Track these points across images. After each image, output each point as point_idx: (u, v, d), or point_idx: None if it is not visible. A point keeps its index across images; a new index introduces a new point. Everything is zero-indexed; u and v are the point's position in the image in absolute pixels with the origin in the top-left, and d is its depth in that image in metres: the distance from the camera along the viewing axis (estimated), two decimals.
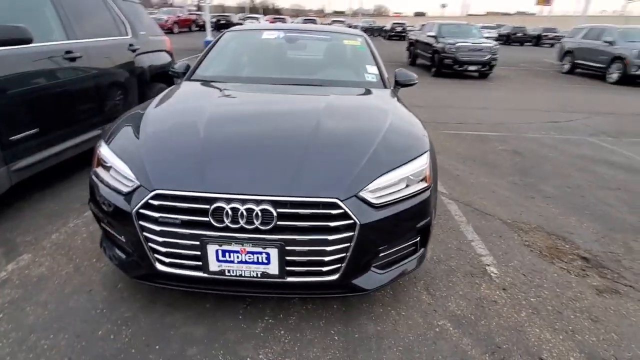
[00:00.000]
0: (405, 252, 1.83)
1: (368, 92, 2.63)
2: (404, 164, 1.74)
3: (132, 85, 3.81)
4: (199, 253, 1.58)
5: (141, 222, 1.59)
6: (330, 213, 1.56)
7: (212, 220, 1.53)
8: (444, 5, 78.60)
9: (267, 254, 1.56)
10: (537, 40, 29.68)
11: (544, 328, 1.88)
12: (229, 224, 1.52)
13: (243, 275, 1.60)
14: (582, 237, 2.75)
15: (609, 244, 2.68)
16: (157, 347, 1.67)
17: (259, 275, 1.61)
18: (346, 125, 2.03)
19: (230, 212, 1.52)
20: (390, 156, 1.76)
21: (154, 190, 1.58)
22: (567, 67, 14.04)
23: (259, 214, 1.51)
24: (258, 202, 1.53)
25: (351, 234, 1.56)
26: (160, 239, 1.59)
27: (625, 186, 3.73)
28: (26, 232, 2.50)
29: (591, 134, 5.69)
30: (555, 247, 2.62)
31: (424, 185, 1.77)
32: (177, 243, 1.58)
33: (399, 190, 1.69)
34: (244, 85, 2.69)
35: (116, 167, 1.74)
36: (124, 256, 1.80)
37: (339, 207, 1.55)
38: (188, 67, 2.96)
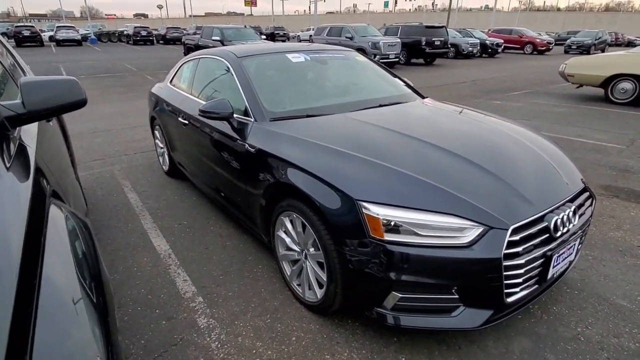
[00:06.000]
0: None
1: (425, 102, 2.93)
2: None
3: None
4: (542, 268, 1.68)
5: (505, 263, 1.54)
6: (587, 195, 1.98)
7: (553, 233, 1.67)
8: (160, 7, 76.38)
9: (574, 244, 1.83)
10: (272, 37, 33.92)
11: None
12: (562, 230, 1.71)
13: (558, 272, 1.82)
14: None
15: None
16: None
17: (566, 267, 1.86)
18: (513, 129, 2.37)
19: (563, 220, 1.70)
20: None
21: (511, 226, 1.55)
22: None
23: (571, 213, 1.76)
24: (569, 203, 1.78)
25: (592, 207, 2.03)
26: (520, 271, 1.58)
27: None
28: None
29: None
30: None
31: None
32: (530, 268, 1.63)
33: None
34: (339, 114, 2.41)
35: (426, 221, 1.54)
36: (458, 310, 1.61)
37: (587, 190, 2.00)
38: (228, 106, 2.37)
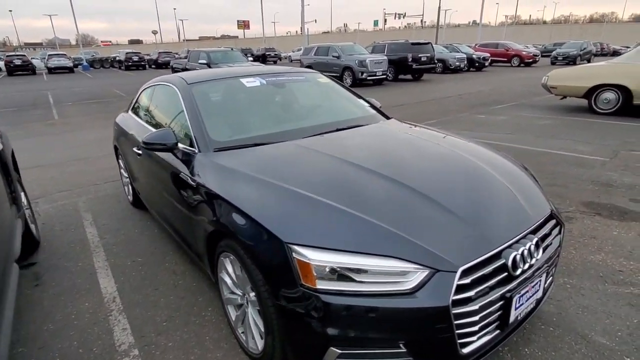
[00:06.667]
0: None
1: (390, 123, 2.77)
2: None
3: None
4: (501, 312, 1.49)
5: (455, 310, 1.34)
6: (554, 223, 1.80)
7: (512, 271, 1.48)
8: (155, 32, 77.59)
9: (540, 280, 1.64)
10: (263, 59, 34.28)
11: None
12: (522, 267, 1.52)
13: (522, 313, 1.62)
14: None
15: None
16: None
17: (532, 306, 1.67)
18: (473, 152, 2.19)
19: (523, 255, 1.52)
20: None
21: (459, 268, 1.37)
22: None
23: (533, 246, 1.58)
24: (530, 235, 1.60)
25: (560, 235, 1.85)
26: (474, 318, 1.39)
27: None
28: None
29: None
30: None
31: None
32: (486, 314, 1.43)
33: None
34: (291, 142, 2.22)
35: (363, 265, 1.35)
36: None
37: (554, 217, 1.82)
38: (175, 135, 2.23)
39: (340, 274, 1.36)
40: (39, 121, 9.38)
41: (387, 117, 2.93)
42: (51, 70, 27.68)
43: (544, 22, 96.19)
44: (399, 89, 13.89)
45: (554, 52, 25.66)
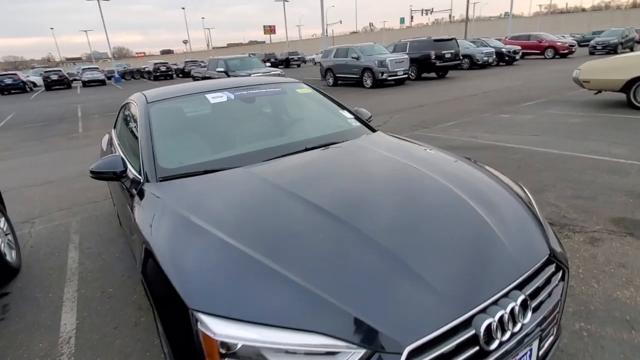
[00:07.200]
0: None
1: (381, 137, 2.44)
2: None
3: None
4: None
5: None
6: (554, 269, 1.42)
7: (484, 345, 1.13)
8: (185, 41, 79.92)
9: (528, 350, 1.27)
10: (287, 63, 34.37)
11: None
12: (500, 338, 1.17)
13: None
14: None
15: None
16: None
17: None
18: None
19: (503, 321, 1.17)
20: None
21: (406, 347, 1.04)
22: (331, 81, 16.89)
23: (517, 307, 1.22)
24: (516, 291, 1.24)
25: (563, 283, 1.46)
26: None
27: (489, 161, 4.84)
28: None
29: (412, 129, 7.07)
30: None
31: None
32: None
33: None
34: (253, 166, 1.93)
35: (281, 343, 1.05)
36: None
37: (554, 260, 1.43)
38: (124, 161, 2.02)
39: (251, 354, 1.06)
40: (63, 135, 9.65)
41: (373, 130, 2.60)
42: (85, 84, 28.92)
43: (583, 10, 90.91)
44: (421, 89, 13.34)
45: (592, 41, 24.03)
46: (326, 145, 2.22)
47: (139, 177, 1.99)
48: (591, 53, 22.99)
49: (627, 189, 3.58)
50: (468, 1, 41.44)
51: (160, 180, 1.89)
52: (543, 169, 4.32)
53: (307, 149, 2.15)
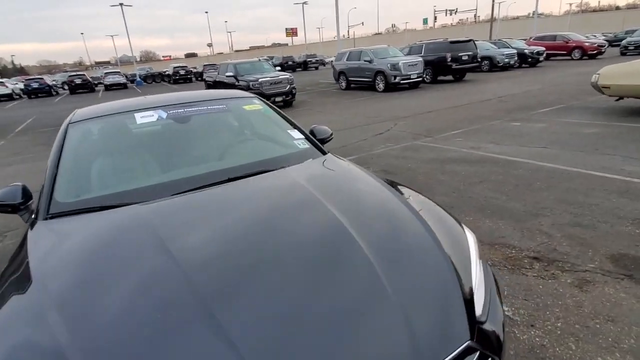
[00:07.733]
0: None
1: (325, 164, 2.14)
2: None
3: None
4: None
5: None
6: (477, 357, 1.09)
7: None
8: (210, 45, 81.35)
9: None
10: (304, 66, 34.24)
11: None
12: None
13: None
14: (512, 237, 3.03)
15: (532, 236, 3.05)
16: None
17: None
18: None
19: None
20: None
21: None
22: (344, 84, 16.59)
23: None
24: None
25: None
26: None
27: (484, 177, 4.44)
28: None
29: (413, 137, 6.68)
30: (507, 255, 2.79)
31: None
32: None
33: None
34: (156, 202, 1.66)
35: None
36: None
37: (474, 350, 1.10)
38: (26, 191, 1.82)
39: None
40: None
41: (324, 153, 2.30)
42: (107, 87, 29.70)
43: (617, 8, 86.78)
44: (435, 92, 12.84)
45: (623, 41, 22.69)
46: (256, 174, 1.93)
47: (34, 212, 1.77)
48: (622, 54, 21.69)
49: (634, 216, 3.12)
50: (494, 0, 40.23)
51: (49, 218, 1.65)
52: (543, 188, 3.89)
53: (229, 179, 1.87)
